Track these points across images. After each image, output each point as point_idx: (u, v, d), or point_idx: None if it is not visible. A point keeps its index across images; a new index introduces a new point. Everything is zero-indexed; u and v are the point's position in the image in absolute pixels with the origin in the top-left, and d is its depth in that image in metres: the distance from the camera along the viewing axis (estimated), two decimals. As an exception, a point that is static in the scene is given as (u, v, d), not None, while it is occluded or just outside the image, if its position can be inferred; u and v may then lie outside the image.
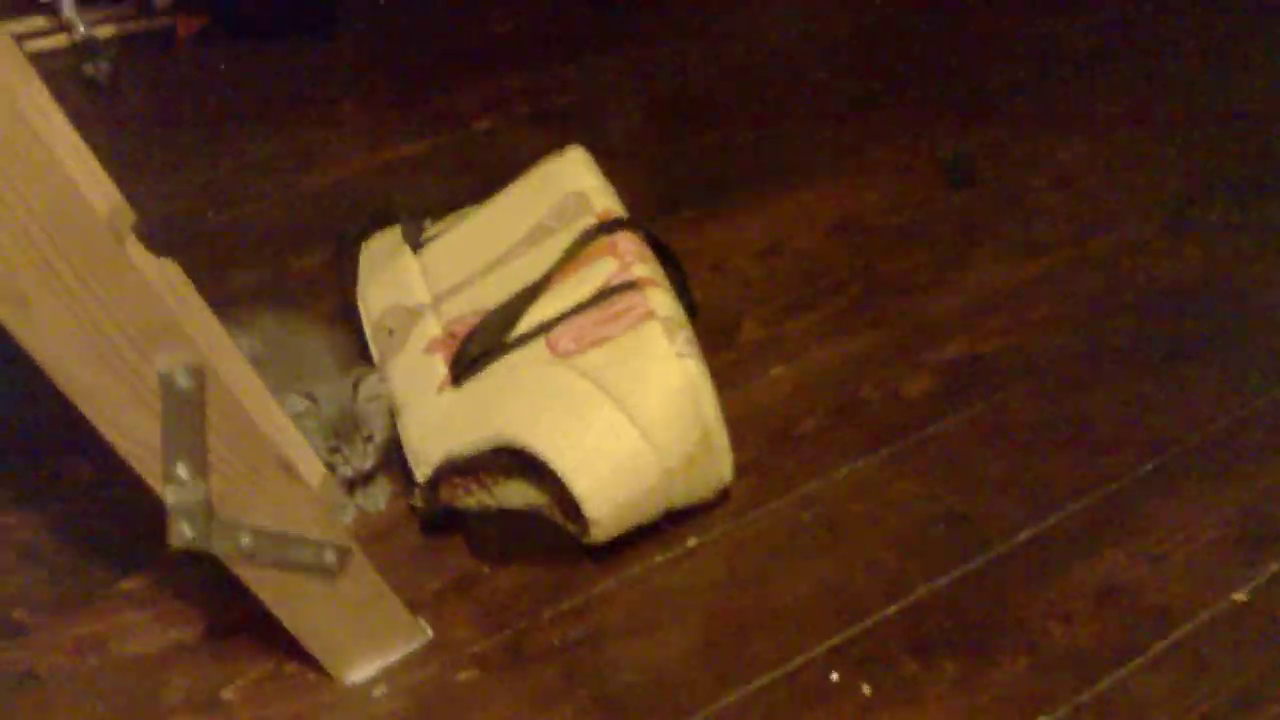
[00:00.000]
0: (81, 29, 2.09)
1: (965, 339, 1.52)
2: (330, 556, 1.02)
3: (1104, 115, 1.99)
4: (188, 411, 0.89)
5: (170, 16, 2.24)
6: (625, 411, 1.16)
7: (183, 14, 2.23)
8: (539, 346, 1.24)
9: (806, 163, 1.89)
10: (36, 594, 1.20)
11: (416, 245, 1.45)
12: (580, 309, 1.24)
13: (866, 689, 1.11)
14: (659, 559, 1.24)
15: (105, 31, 2.21)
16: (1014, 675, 1.12)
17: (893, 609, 1.19)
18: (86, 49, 2.08)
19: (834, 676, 1.12)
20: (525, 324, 1.27)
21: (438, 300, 1.37)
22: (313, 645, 1.09)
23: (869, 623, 1.17)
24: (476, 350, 1.26)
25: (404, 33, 2.27)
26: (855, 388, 1.45)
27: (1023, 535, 1.26)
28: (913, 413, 1.41)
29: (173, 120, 2.00)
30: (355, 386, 1.26)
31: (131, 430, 0.88)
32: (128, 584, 1.21)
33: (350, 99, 2.05)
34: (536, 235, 1.34)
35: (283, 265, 1.64)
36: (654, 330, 1.18)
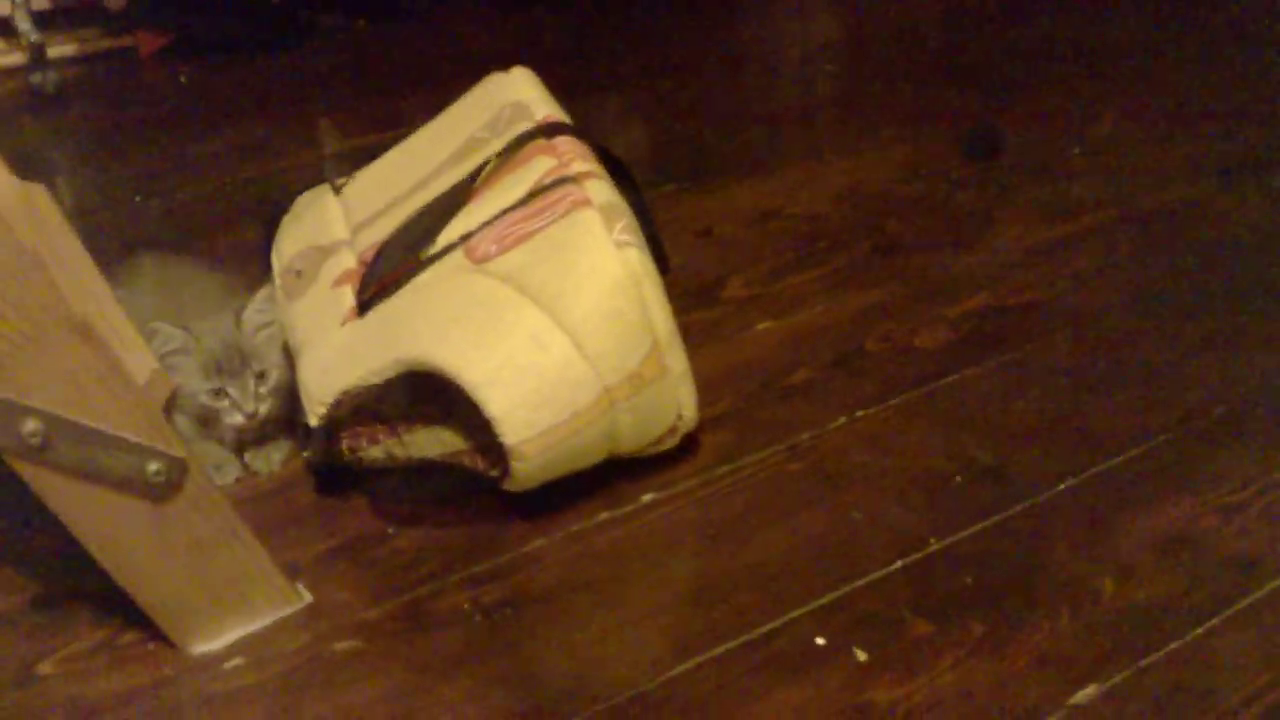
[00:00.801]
0: (31, 39, 1.95)
1: (990, 293, 1.29)
2: (155, 467, 0.80)
3: (1139, 99, 1.78)
4: (-72, 227, 0.68)
5: (132, 35, 2.10)
6: (552, 314, 0.93)
7: (145, 32, 2.10)
8: (457, 257, 1.02)
9: (812, 141, 1.69)
10: None
11: (339, 188, 1.25)
12: (507, 212, 1.02)
13: (861, 654, 0.85)
14: (605, 516, 1.00)
15: (67, 49, 2.08)
16: (1056, 636, 0.86)
17: (898, 565, 0.93)
18: (34, 59, 1.94)
19: (819, 640, 0.86)
20: (446, 238, 1.05)
21: (354, 232, 1.16)
22: (146, 601, 0.85)
23: (868, 580, 0.92)
24: (385, 269, 1.04)
25: (374, 49, 2.13)
26: (858, 340, 1.21)
27: (1063, 486, 1.01)
28: (928, 363, 1.17)
29: (120, 124, 1.84)
30: (238, 315, 1.05)
31: None
32: (-52, 551, 0.99)
33: (307, 104, 1.89)
34: (467, 149, 1.13)
35: (206, 242, 1.45)
36: (588, 217, 0.96)
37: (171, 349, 1.02)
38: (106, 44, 2.11)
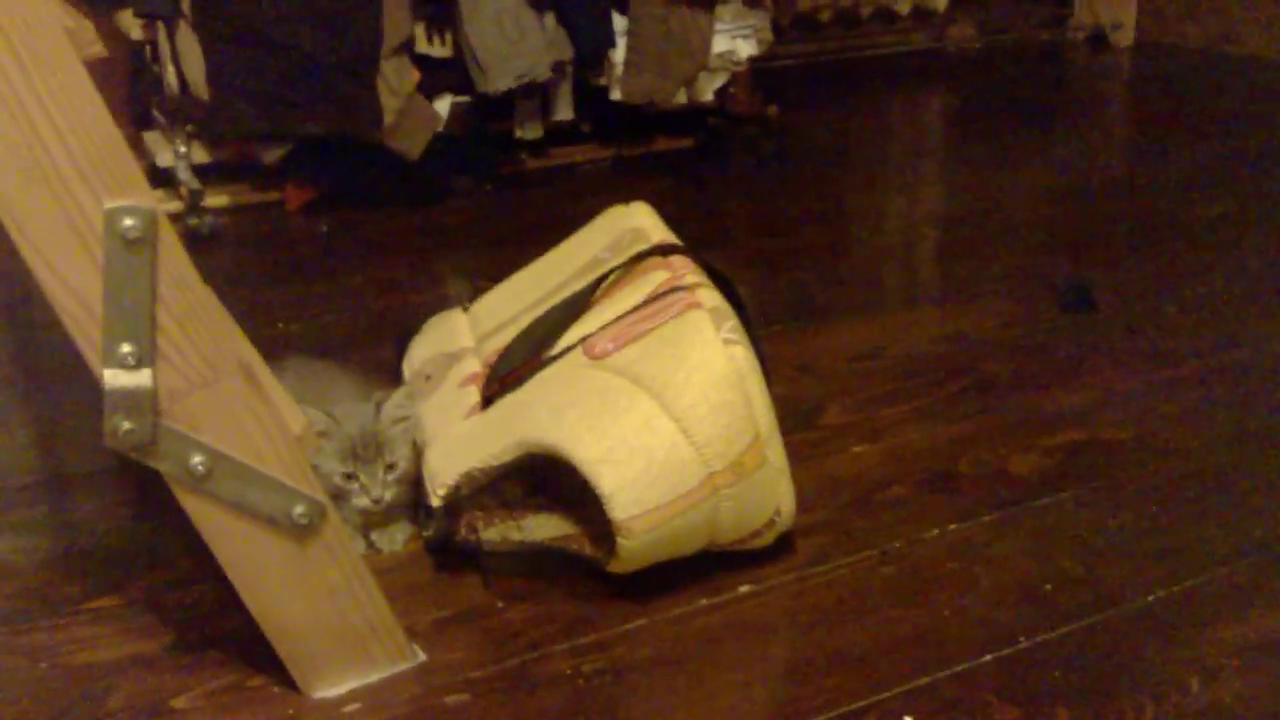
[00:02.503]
0: (190, 187, 2.14)
1: (1083, 428, 1.33)
2: (300, 509, 0.88)
3: (1233, 265, 1.83)
4: (135, 270, 0.78)
5: (280, 190, 2.29)
6: (662, 402, 1.01)
7: (293, 186, 2.28)
8: (576, 355, 1.11)
9: (911, 292, 1.77)
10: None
11: (467, 308, 1.36)
12: (623, 316, 1.11)
13: (949, 733, 0.88)
14: (703, 602, 1.05)
15: (220, 201, 2.27)
16: (1141, 727, 0.88)
17: (988, 658, 0.96)
18: (191, 206, 2.13)
19: (907, 719, 0.90)
20: (566, 341, 1.14)
21: (480, 341, 1.26)
22: (276, 639, 0.92)
23: (957, 669, 0.95)
24: (508, 369, 1.13)
25: (501, 208, 2.28)
26: (952, 464, 1.26)
27: (1153, 597, 1.03)
28: (1020, 486, 1.22)
29: (266, 263, 2.00)
30: (379, 406, 1.14)
31: (68, 276, 0.77)
32: (100, 602, 1.07)
33: (439, 251, 2.03)
34: (589, 267, 1.23)
35: (344, 358, 1.56)
36: (698, 318, 1.04)
37: (316, 431, 1.11)
38: (256, 197, 2.30)
